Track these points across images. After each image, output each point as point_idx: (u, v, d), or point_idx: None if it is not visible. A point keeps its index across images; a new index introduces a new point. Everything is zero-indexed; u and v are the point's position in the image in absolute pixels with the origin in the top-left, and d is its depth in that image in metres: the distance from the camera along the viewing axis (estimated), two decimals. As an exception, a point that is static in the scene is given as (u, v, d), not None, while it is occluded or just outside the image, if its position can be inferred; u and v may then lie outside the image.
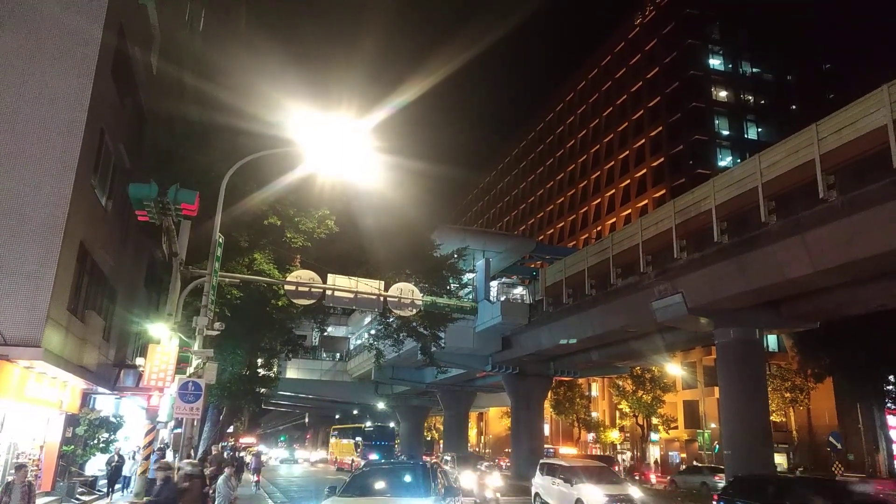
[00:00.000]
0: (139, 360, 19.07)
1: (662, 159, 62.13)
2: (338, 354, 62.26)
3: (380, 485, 11.39)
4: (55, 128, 12.35)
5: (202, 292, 13.43)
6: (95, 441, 17.63)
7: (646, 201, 63.11)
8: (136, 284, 20.26)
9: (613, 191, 69.70)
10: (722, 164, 57.00)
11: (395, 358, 35.44)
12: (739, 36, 63.24)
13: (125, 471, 20.39)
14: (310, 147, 14.53)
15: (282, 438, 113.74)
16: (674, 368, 43.45)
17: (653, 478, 40.89)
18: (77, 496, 17.36)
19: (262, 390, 25.08)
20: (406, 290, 17.17)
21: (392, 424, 56.71)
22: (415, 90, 26.06)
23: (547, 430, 62.34)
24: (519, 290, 37.15)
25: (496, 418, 76.45)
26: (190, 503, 9.48)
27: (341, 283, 16.20)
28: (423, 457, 44.47)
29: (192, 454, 16.89)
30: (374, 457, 38.02)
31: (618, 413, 55.64)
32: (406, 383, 50.27)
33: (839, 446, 28.85)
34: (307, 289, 15.70)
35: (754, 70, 64.29)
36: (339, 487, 11.28)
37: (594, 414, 60.84)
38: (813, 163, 17.91)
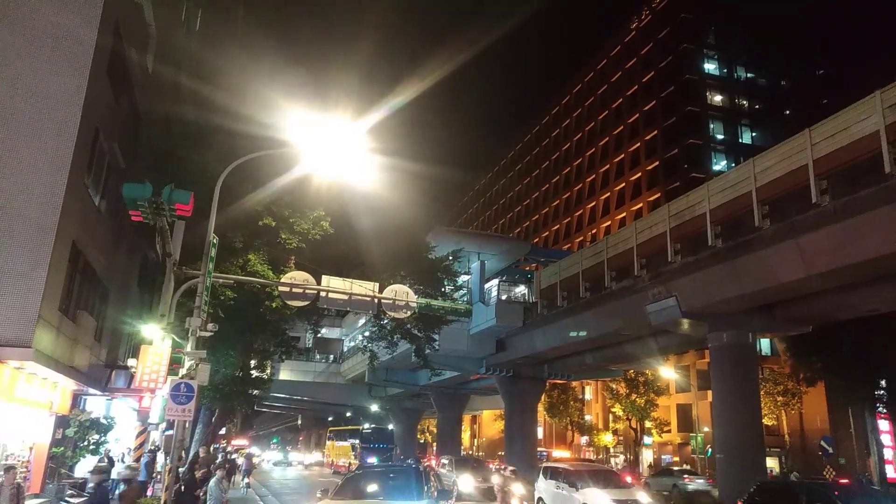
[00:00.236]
0: (131, 361, 18.95)
1: (657, 163, 62.36)
2: (331, 356, 62.18)
3: (372, 487, 11.37)
4: (49, 126, 12.27)
5: (195, 293, 13.36)
6: (85, 443, 17.46)
7: (641, 205, 63.32)
8: (128, 285, 20.15)
9: (608, 194, 69.88)
10: (716, 168, 57.27)
11: (389, 360, 35.43)
12: (734, 41, 63.60)
13: (112, 473, 20.24)
14: (306, 148, 14.51)
15: (274, 440, 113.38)
16: (667, 372, 43.54)
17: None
18: (66, 498, 17.19)
19: (255, 392, 25.00)
20: (401, 292, 17.12)
21: (391, 426, 56.28)
22: (411, 91, 26.04)
23: (540, 432, 62.34)
24: (521, 289, 37.17)
25: (490, 421, 76.41)
26: None
27: (336, 285, 16.15)
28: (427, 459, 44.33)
29: (184, 456, 16.82)
30: (372, 460, 37.57)
31: (611, 416, 55.74)
32: (400, 385, 50.16)
33: (831, 450, 28.94)
34: (301, 290, 15.65)
35: (749, 75, 64.67)
36: (332, 490, 11.25)
37: (587, 417, 60.90)
38: (806, 168, 17.99)
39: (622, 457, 56.37)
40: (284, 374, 54.60)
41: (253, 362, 24.23)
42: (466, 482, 25.26)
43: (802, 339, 31.36)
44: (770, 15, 60.61)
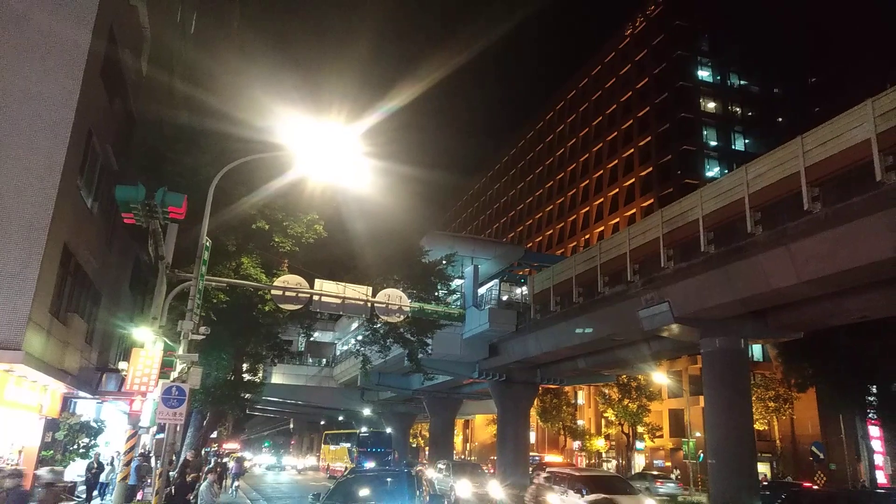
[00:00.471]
0: (122, 364, 18.81)
1: (651, 169, 62.61)
2: (324, 360, 61.95)
3: (364, 492, 11.34)
4: (42, 127, 12.21)
5: (188, 296, 13.32)
6: (75, 446, 17.35)
7: (634, 210, 63.54)
8: (120, 287, 20.05)
9: (602, 199, 70.10)
10: (709, 174, 57.55)
11: (382, 364, 35.37)
12: (728, 48, 64.05)
13: (102, 477, 20.10)
14: (300, 152, 14.50)
15: (266, 444, 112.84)
16: (660, 377, 43.63)
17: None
18: (56, 502, 17.06)
19: (247, 395, 24.91)
20: (394, 296, 17.13)
21: (389, 430, 55.65)
22: (406, 95, 26.07)
23: (533, 437, 62.28)
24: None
25: (482, 425, 76.35)
26: None
27: (329, 289, 16.14)
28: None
29: (175, 460, 16.73)
30: (370, 465, 36.96)
31: (603, 421, 55.78)
32: (392, 390, 50.00)
33: (822, 456, 29.08)
34: (294, 294, 15.64)
35: (742, 82, 65.10)
36: (323, 495, 11.22)
37: (580, 422, 60.94)
38: (798, 175, 18.10)
39: (614, 462, 56.41)
40: (277, 378, 54.37)
41: (245, 366, 24.16)
42: (464, 488, 24.88)
43: (794, 345, 31.47)
44: (763, 23, 61.13)
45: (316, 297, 15.89)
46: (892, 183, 15.62)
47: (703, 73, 63.69)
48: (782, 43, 61.95)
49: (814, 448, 29.16)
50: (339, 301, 16.17)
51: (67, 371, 14.76)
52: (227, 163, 14.42)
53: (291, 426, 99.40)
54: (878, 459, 37.79)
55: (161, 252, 12.55)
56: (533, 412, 49.11)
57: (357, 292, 16.41)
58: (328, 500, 10.86)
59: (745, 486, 21.85)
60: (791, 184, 18.43)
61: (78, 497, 19.50)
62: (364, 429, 53.43)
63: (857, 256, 16.95)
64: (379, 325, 22.60)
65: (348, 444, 48.37)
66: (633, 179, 65.34)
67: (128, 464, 12.78)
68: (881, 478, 36.86)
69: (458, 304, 33.01)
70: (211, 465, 21.97)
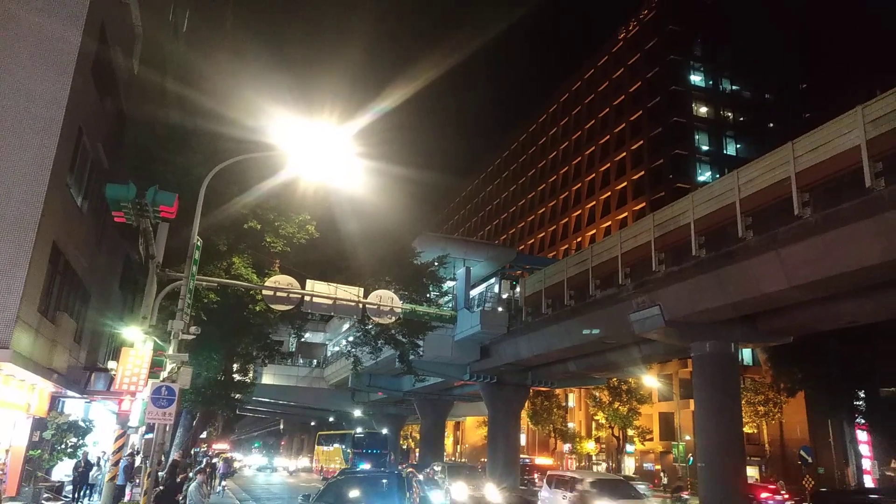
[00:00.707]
0: (111, 364, 18.71)
1: (643, 172, 62.87)
2: (315, 361, 61.80)
3: (354, 493, 11.31)
4: (32, 125, 12.13)
5: (178, 295, 13.25)
6: (63, 446, 17.23)
7: (626, 214, 63.77)
8: (110, 286, 19.92)
9: (594, 202, 70.32)
10: (701, 178, 57.86)
11: (373, 366, 35.27)
12: (720, 53, 64.47)
13: (89, 478, 19.96)
14: (292, 152, 14.46)
15: (255, 445, 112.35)
16: (650, 380, 43.78)
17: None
18: (43, 501, 16.95)
19: (237, 396, 24.78)
20: (385, 298, 17.11)
21: (385, 430, 55.16)
22: (398, 96, 26.01)
23: (523, 439, 62.36)
24: (515, 292, 37.13)
25: (473, 427, 76.35)
26: None
27: (320, 289, 16.10)
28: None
29: (163, 460, 16.62)
30: (367, 467, 36.55)
31: (594, 424, 55.88)
32: (383, 391, 49.84)
33: (810, 460, 29.17)
34: (285, 294, 15.59)
35: (734, 87, 65.52)
36: (314, 496, 11.17)
37: (570, 425, 61.05)
38: (789, 180, 18.20)
39: (604, 464, 56.53)
40: (267, 379, 54.16)
41: (235, 366, 24.05)
42: (460, 490, 24.57)
43: (784, 349, 31.68)
44: (756, 29, 61.58)
45: (307, 298, 15.85)
46: (881, 189, 15.73)
47: (696, 78, 64.05)
48: (775, 49, 62.46)
49: (802, 452, 29.25)
50: (330, 302, 16.13)
51: (56, 370, 14.65)
52: (218, 162, 14.35)
53: (282, 427, 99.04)
54: (866, 464, 38.06)
55: (152, 251, 12.48)
56: (523, 414, 49.16)
57: (348, 293, 16.39)
58: (318, 501, 10.82)
59: (733, 489, 21.97)
60: (782, 189, 18.54)
61: (65, 497, 19.36)
62: (359, 429, 52.85)
63: (846, 261, 17.07)
64: (370, 327, 22.54)
65: (342, 446, 47.91)
66: (625, 183, 65.58)
67: (116, 464, 12.70)
68: (868, 482, 37.13)
69: (450, 305, 33.00)
70: (201, 466, 21.87)
